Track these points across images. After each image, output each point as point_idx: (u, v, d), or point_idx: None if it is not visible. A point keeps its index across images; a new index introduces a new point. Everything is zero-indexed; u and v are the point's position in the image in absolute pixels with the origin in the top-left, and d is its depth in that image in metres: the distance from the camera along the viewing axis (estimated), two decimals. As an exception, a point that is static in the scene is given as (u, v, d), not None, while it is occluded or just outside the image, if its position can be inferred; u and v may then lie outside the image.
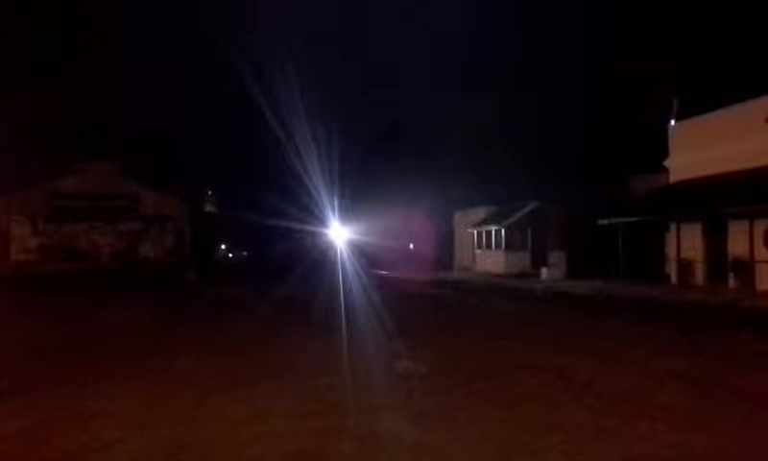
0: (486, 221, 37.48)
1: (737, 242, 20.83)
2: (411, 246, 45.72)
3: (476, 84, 62.09)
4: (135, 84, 59.32)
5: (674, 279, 23.48)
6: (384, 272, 38.42)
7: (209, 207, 50.04)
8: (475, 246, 38.74)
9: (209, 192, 50.39)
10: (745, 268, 19.67)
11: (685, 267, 23.08)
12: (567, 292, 22.60)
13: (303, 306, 18.33)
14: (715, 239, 22.68)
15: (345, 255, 44.64)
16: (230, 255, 67.46)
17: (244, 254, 72.58)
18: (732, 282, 21.11)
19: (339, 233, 51.36)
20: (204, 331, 13.55)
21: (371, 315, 15.89)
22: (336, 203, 48.06)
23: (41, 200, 35.32)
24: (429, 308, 18.64)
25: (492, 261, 35.86)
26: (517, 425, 6.08)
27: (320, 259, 49.94)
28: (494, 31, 64.89)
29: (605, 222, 25.31)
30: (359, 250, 45.96)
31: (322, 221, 50.05)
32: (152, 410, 6.83)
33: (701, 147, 23.31)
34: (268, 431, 6.01)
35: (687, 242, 23.19)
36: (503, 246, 34.81)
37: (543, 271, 30.00)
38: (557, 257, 30.54)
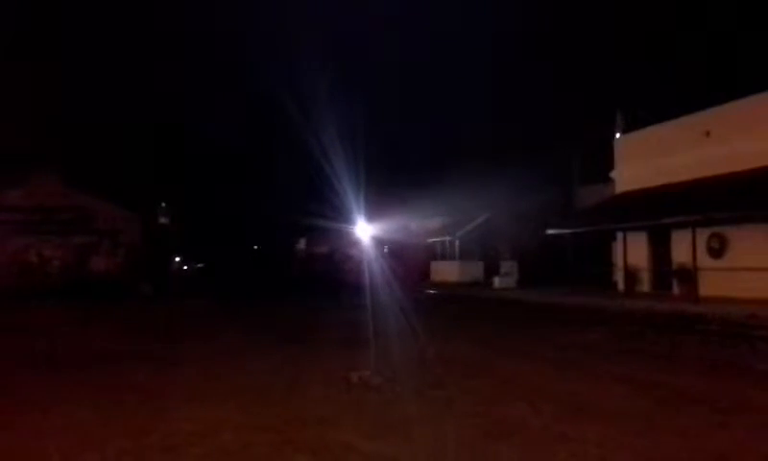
0: (440, 231, 37.92)
1: (681, 251, 21.56)
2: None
3: (424, 96, 62.84)
4: (88, 82, 57.76)
5: (621, 286, 24.14)
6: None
7: (163, 219, 49.25)
8: (430, 256, 39.13)
9: (163, 204, 49.60)
10: (688, 275, 20.34)
11: (632, 275, 23.76)
12: (519, 300, 23.06)
13: (259, 318, 18.28)
14: (660, 248, 23.44)
15: (373, 261, 35.01)
16: (185, 268, 66.25)
17: (199, 266, 71.39)
18: (676, 289, 21.81)
19: (365, 231, 39.11)
20: (159, 346, 13.42)
21: (324, 323, 15.99)
22: (361, 194, 36.08)
23: None
24: (385, 317, 18.77)
25: (446, 271, 36.29)
26: (473, 433, 6.20)
27: (319, 266, 42.74)
28: (454, 45, 65.85)
29: (554, 232, 25.93)
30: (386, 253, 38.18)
31: (344, 216, 38.36)
32: (104, 426, 6.72)
33: (645, 159, 24.11)
34: (221, 445, 5.98)
35: (633, 251, 23.90)
36: (457, 256, 35.29)
37: (496, 280, 30.50)
38: (509, 267, 31.12)
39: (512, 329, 15.47)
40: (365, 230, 38.62)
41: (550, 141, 38.10)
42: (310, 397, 7.97)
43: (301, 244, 53.72)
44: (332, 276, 38.83)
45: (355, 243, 40.94)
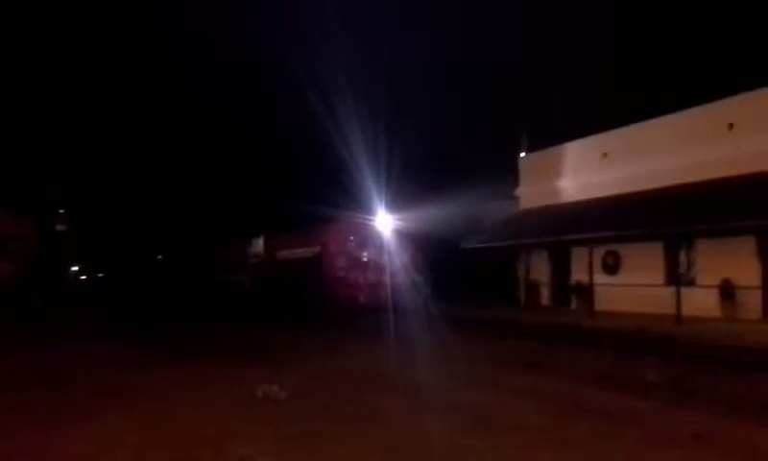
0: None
1: (579, 267, 22.49)
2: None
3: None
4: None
5: (524, 301, 24.92)
6: None
7: (60, 226, 46.84)
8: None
9: (61, 211, 47.17)
10: (585, 291, 21.23)
11: (533, 290, 24.60)
12: (426, 314, 23.30)
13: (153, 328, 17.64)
14: (559, 264, 24.40)
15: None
16: (83, 277, 63.08)
17: (99, 275, 68.25)
18: (574, 304, 22.74)
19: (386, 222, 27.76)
20: (40, 359, 12.71)
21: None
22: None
23: None
24: (291, 331, 18.58)
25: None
26: (375, 448, 6.19)
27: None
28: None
29: (461, 247, 26.40)
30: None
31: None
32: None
33: (547, 178, 25.07)
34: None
35: (535, 266, 24.76)
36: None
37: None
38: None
39: (417, 342, 15.61)
40: (387, 224, 27.51)
41: (461, 156, 38.94)
42: (214, 413, 7.73)
43: (257, 246, 37.87)
44: (321, 295, 26.89)
45: (370, 242, 27.88)
